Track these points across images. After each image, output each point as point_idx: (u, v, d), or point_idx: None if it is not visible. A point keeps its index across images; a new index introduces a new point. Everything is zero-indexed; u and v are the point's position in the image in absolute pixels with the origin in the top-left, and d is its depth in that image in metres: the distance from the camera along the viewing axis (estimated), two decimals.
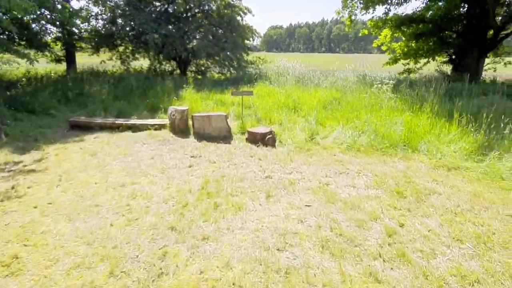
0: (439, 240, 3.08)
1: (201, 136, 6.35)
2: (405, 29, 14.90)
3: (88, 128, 6.76)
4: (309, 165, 5.02)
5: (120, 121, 6.90)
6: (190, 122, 6.73)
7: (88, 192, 3.92)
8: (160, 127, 6.89)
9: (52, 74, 12.73)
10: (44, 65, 15.67)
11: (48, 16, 12.15)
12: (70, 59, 15.09)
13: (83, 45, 13.13)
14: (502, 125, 5.40)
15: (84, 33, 14.35)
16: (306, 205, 3.69)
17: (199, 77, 14.73)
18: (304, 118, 7.88)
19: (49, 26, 12.91)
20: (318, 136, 6.36)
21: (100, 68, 14.32)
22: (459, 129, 5.96)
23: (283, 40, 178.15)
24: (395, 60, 15.86)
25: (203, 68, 15.53)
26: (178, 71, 15.44)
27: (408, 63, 16.25)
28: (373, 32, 15.77)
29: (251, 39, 17.15)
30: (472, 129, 5.70)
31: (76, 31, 13.06)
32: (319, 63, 30.17)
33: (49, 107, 8.32)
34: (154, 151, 5.54)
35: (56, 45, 12.49)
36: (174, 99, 8.98)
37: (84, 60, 17.06)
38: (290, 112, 8.21)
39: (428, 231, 3.23)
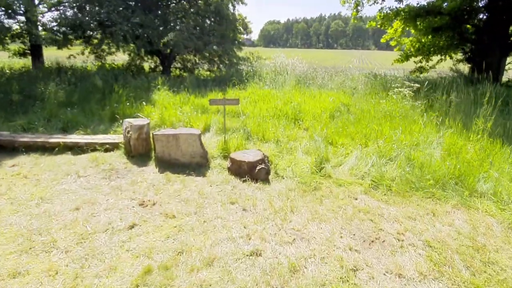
0: None
1: (165, 164, 4.53)
2: (420, 22, 13.11)
3: (11, 149, 4.90)
4: (320, 221, 3.23)
5: (56, 138, 5.04)
6: (153, 141, 4.90)
7: None
8: (113, 147, 5.06)
9: (7, 70, 10.76)
10: (15, 60, 13.67)
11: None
12: (35, 53, 13.09)
13: (44, 36, 11.09)
14: None
15: (52, 23, 12.35)
16: None
17: (184, 74, 12.84)
18: (307, 131, 6.10)
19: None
20: (329, 163, 4.57)
21: (67, 63, 12.33)
22: None
23: (280, 35, 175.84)
24: (406, 57, 14.08)
25: (189, 65, 13.61)
26: (162, 67, 13.53)
27: (420, 61, 14.49)
28: (382, 25, 13.93)
29: (244, 33, 15.26)
30: None
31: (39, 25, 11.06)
32: (319, 60, 28.26)
33: None
34: (88, 192, 3.71)
35: (6, 37, 10.48)
36: (142, 104, 7.12)
37: (60, 53, 14.98)
38: (289, 124, 6.42)
39: None
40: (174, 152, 4.52)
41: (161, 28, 10.74)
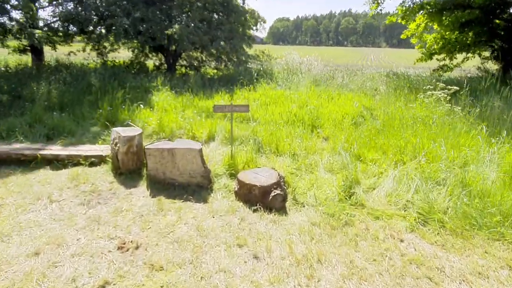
0: None
1: (159, 184, 3.72)
2: (446, 17, 11.99)
3: None
4: (360, 279, 2.37)
5: (34, 150, 4.28)
6: (145, 155, 4.09)
7: None
8: (100, 160, 4.28)
9: (2, 68, 10.14)
10: (15, 56, 13.08)
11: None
12: (35, 49, 12.45)
13: (41, 33, 10.40)
14: None
15: (53, 18, 11.69)
16: None
17: (190, 72, 12.05)
18: (328, 142, 5.23)
19: None
20: (360, 186, 3.69)
21: (67, 60, 11.66)
22: None
23: (289, 32, 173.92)
24: (430, 55, 12.97)
25: (195, 63, 12.79)
26: (166, 65, 12.76)
27: (444, 59, 13.37)
28: (403, 20, 12.85)
29: (254, 28, 14.32)
30: None
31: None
32: (331, 57, 27.07)
33: None
34: (57, 225, 2.93)
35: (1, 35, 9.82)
36: (140, 107, 6.33)
37: (63, 50, 14.30)
38: (306, 132, 5.56)
39: None
40: (170, 170, 3.71)
41: (165, 23, 9.94)
